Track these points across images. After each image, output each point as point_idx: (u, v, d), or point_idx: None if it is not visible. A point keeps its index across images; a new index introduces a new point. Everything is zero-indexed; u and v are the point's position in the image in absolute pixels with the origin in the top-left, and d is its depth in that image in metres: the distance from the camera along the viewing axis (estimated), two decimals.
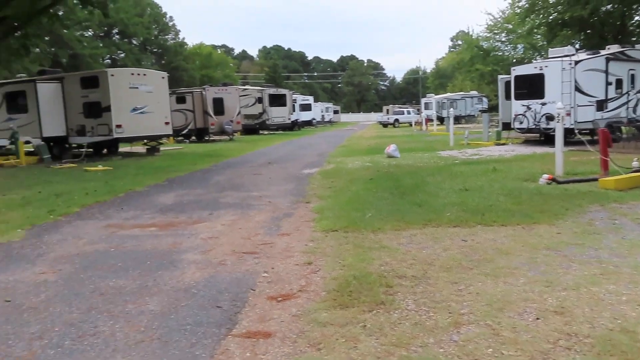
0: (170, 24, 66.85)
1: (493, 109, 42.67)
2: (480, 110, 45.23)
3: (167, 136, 21.32)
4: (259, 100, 36.10)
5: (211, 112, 28.61)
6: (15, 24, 13.30)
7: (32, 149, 17.23)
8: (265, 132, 37.18)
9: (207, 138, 29.02)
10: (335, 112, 67.70)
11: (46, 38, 34.52)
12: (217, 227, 6.74)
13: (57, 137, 17.83)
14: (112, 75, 17.50)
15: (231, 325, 3.59)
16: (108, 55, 58.40)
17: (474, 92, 49.58)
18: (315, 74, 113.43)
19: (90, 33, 55.09)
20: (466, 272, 4.45)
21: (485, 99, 49.47)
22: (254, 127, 35.53)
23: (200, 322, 3.65)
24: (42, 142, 16.85)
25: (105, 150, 19.15)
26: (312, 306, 3.85)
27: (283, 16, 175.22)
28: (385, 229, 6.13)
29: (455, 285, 4.14)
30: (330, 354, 3.08)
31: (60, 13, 18.71)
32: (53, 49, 43.63)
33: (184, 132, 27.65)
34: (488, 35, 40.07)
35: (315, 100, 56.48)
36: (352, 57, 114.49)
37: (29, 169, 15.12)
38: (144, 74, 19.19)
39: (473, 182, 9.31)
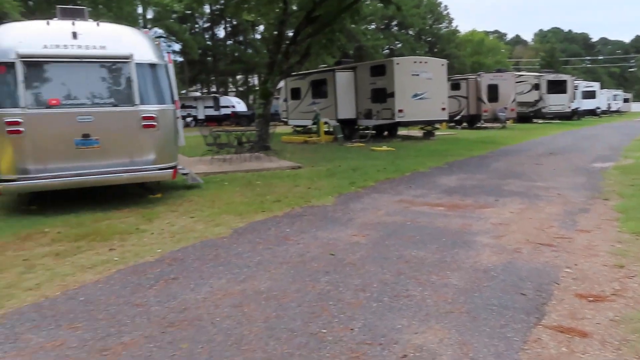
0: (445, 12, 67.42)
1: None
2: None
3: (442, 121, 21.71)
4: (536, 86, 33.42)
5: (485, 99, 27.93)
6: (325, 21, 15.30)
7: (329, 129, 19.86)
8: (540, 121, 34.29)
9: (478, 125, 28.49)
10: (625, 100, 57.96)
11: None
12: (504, 214, 6.61)
13: (349, 119, 20.02)
14: (398, 63, 18.64)
15: (539, 315, 3.51)
16: (387, 46, 62.32)
17: None
18: (601, 58, 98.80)
19: (372, 26, 59.64)
20: None
21: None
22: (527, 115, 33.19)
23: (505, 305, 3.67)
24: (337, 123, 19.26)
25: (385, 132, 20.68)
26: (633, 314, 3.47)
27: None
28: None
29: None
30: None
31: None
32: (339, 42, 48.99)
33: (457, 118, 27.72)
34: None
35: (600, 87, 49.27)
36: None
37: (327, 145, 17.48)
38: (425, 62, 19.84)
39: None
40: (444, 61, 20.51)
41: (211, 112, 38.24)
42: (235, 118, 35.68)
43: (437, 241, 5.35)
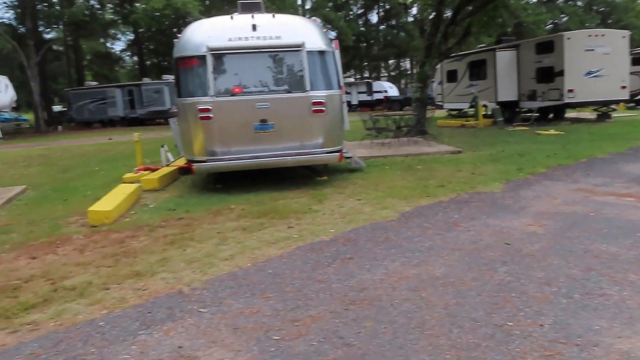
0: None
1: None
2: None
3: (620, 101, 19.19)
4: None
5: None
6: None
7: (487, 112, 18.84)
8: None
9: None
10: None
11: None
12: None
13: (509, 101, 18.78)
14: (569, 38, 16.86)
15: None
16: (550, 21, 56.71)
17: None
18: None
19: (533, 0, 54.66)
20: None
21: None
22: None
23: None
24: (497, 106, 18.18)
25: (551, 115, 18.97)
26: None
27: None
28: None
29: None
30: None
31: None
32: (500, 20, 45.83)
33: (638, 97, 24.24)
34: None
35: None
36: None
37: (486, 129, 16.63)
38: (602, 35, 17.63)
39: None
40: (626, 32, 17.99)
41: (364, 97, 38.89)
42: (388, 103, 35.82)
43: (631, 236, 4.77)
